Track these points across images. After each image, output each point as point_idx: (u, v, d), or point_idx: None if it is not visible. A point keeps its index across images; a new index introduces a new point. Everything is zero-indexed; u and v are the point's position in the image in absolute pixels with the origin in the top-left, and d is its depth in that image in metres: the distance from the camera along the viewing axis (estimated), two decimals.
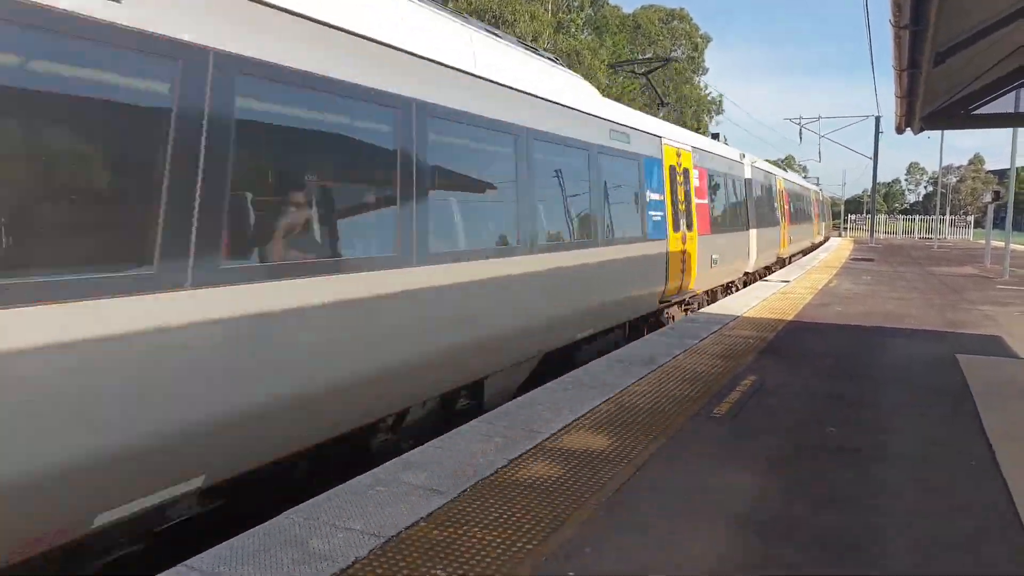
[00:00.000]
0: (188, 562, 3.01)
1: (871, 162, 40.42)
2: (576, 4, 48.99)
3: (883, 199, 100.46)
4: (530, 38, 36.99)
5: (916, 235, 43.64)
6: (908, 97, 9.22)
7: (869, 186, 44.81)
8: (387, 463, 4.24)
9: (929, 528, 3.53)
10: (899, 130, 11.90)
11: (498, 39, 6.69)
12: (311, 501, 3.69)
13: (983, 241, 25.59)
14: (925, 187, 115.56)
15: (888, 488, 4.04)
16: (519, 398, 5.74)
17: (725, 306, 11.43)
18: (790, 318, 10.11)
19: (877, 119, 39.73)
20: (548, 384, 6.20)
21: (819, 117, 44.56)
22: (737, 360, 7.25)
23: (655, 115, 11.21)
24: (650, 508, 3.70)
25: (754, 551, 3.26)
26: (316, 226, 4.14)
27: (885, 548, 3.32)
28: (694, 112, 66.46)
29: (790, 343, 8.22)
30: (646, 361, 7.12)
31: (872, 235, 39.54)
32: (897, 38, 6.46)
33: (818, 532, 3.47)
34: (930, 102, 10.41)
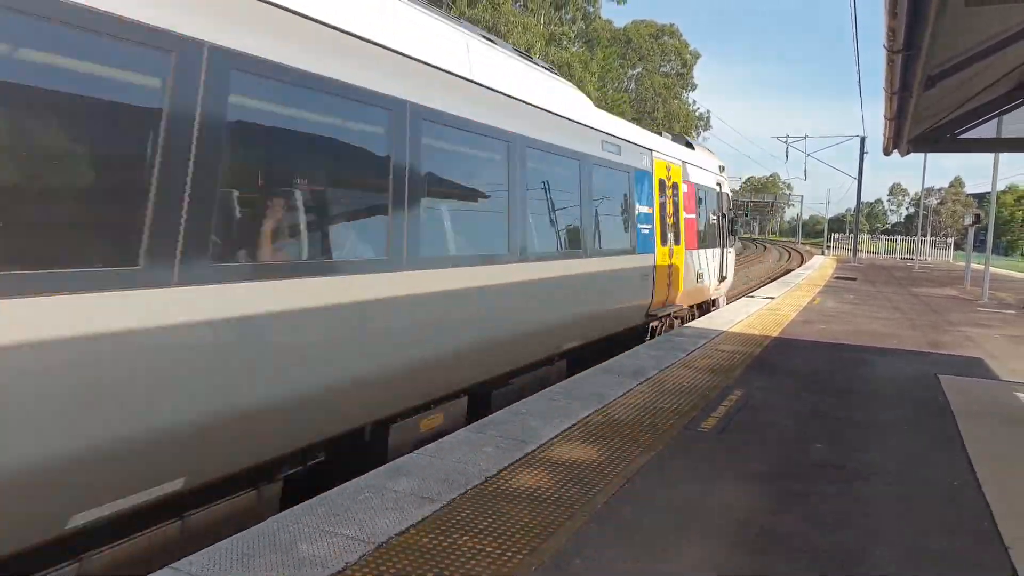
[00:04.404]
0: (175, 564, 2.97)
1: (855, 182, 41.05)
2: (568, 17, 49.39)
3: (865, 219, 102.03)
4: (523, 49, 37.25)
5: (898, 255, 44.31)
6: (897, 119, 9.38)
7: (852, 205, 45.62)
8: (377, 469, 4.22)
9: (914, 545, 3.57)
10: (886, 151, 12.10)
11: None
12: (300, 506, 3.66)
13: (963, 263, 26.04)
14: (907, 208, 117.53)
15: (873, 504, 4.08)
16: (509, 407, 5.74)
17: (711, 320, 11.52)
18: (775, 334, 10.20)
19: (862, 140, 40.37)
20: (538, 394, 6.20)
21: (806, 136, 45.56)
22: (725, 375, 7.30)
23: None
24: (640, 520, 3.70)
25: (744, 564, 3.27)
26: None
27: (872, 563, 3.35)
28: (682, 127, 67.13)
29: (776, 359, 8.29)
30: (636, 373, 7.15)
31: (855, 254, 40.07)
32: (890, 62, 6.58)
33: (806, 546, 3.49)
34: (918, 125, 10.61)
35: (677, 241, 11.24)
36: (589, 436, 5.06)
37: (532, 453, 4.64)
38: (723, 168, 14.92)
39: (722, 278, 14.74)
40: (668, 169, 11.11)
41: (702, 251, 12.72)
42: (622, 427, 5.31)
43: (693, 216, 12.17)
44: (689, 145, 13.33)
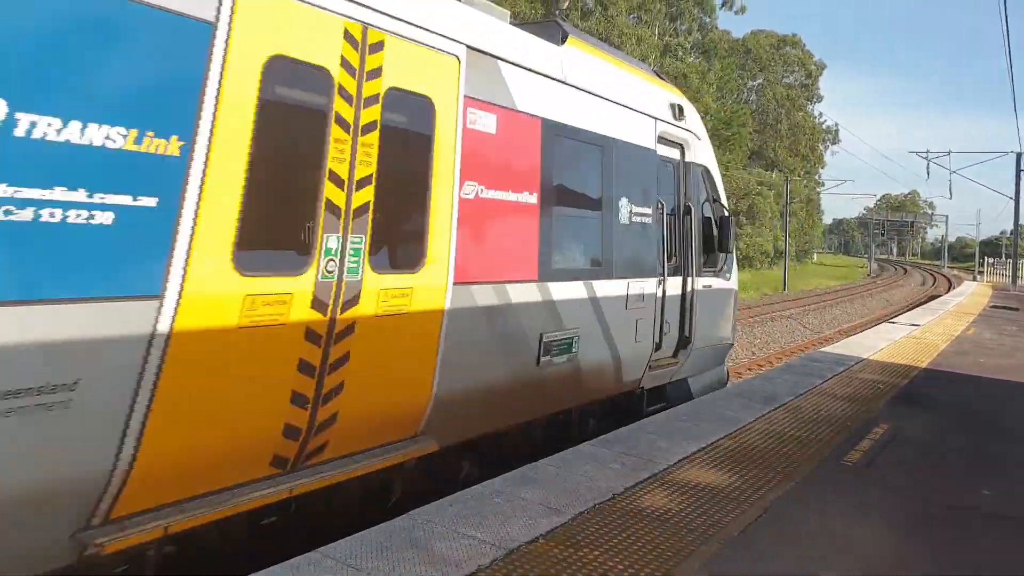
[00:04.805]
0: (322, 549, 3.14)
1: (1011, 201, 36.82)
2: (684, 28, 48.26)
3: None
4: (639, 60, 36.76)
5: None
6: None
7: (1009, 227, 40.93)
8: (504, 475, 4.26)
9: None
10: None
11: None
12: (432, 504, 3.76)
13: None
14: None
15: None
16: (631, 424, 5.62)
17: (850, 346, 10.72)
18: (923, 365, 9.32)
19: (1018, 156, 36.17)
20: (663, 413, 6.03)
21: (949, 152, 40.99)
22: (867, 405, 6.75)
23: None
24: (779, 554, 3.48)
25: None
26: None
27: None
28: (808, 140, 63.50)
29: (926, 392, 7.56)
30: (768, 398, 6.78)
31: (1014, 281, 35.91)
32: None
33: None
34: None
35: (414, 261, 4.21)
36: (720, 461, 4.84)
37: (659, 474, 4.50)
38: (681, 109, 7.28)
39: (683, 342, 7.16)
40: (359, 46, 3.79)
41: (565, 285, 5.47)
42: (755, 454, 5.04)
43: (519, 197, 4.99)
44: (564, 37, 5.75)
